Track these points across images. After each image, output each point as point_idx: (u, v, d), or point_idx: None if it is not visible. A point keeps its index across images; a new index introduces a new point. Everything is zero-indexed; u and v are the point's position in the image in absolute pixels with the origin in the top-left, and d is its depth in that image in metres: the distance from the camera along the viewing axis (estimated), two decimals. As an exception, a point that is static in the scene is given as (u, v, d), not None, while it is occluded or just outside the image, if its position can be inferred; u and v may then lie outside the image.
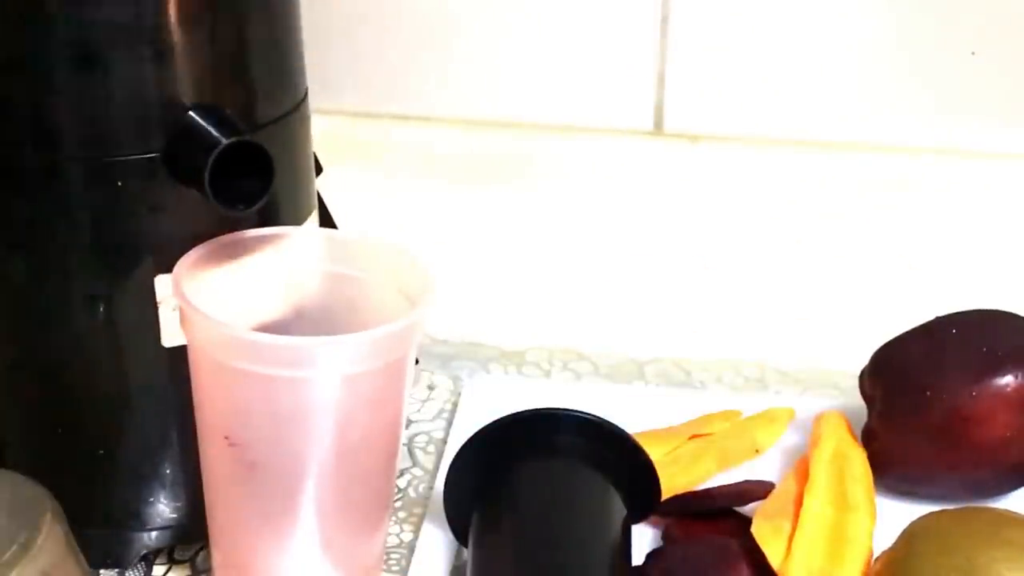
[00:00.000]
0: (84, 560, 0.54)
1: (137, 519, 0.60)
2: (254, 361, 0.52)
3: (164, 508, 0.61)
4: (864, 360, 0.67)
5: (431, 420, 0.74)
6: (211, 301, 0.54)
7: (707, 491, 0.65)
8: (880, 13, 0.75)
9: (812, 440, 0.66)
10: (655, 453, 0.63)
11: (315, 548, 0.56)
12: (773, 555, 0.58)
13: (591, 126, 0.79)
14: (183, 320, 0.54)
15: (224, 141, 0.53)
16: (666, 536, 0.63)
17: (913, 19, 0.75)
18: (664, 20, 0.76)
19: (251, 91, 0.58)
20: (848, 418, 0.68)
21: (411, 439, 0.72)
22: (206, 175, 0.53)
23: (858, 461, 0.64)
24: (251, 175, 0.54)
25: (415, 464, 0.70)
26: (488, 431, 0.61)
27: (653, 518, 0.63)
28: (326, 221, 0.68)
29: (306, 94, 0.62)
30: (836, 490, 0.62)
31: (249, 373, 0.52)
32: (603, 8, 0.77)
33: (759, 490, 0.64)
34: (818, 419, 0.67)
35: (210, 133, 0.54)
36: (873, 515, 0.61)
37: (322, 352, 0.53)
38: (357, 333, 0.53)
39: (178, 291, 0.53)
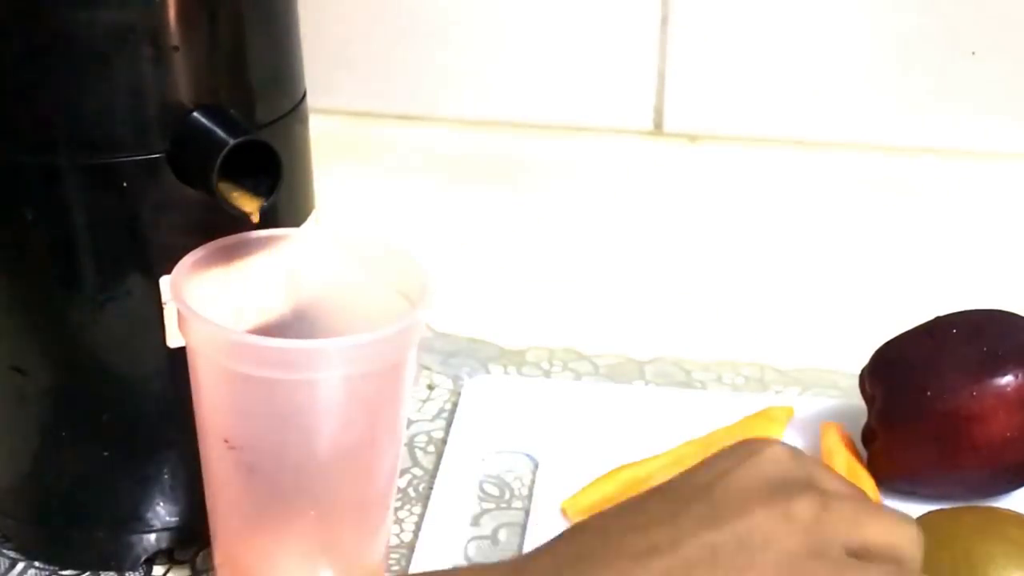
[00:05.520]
0: None
1: (140, 521, 0.60)
2: (253, 364, 0.52)
3: (167, 510, 0.61)
4: (864, 360, 0.67)
5: (431, 420, 0.74)
6: (211, 303, 0.54)
7: (707, 491, 0.65)
8: (880, 13, 0.75)
9: (824, 451, 0.65)
10: (664, 460, 0.63)
11: (316, 550, 0.56)
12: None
13: (591, 126, 0.79)
14: (181, 323, 0.54)
15: (231, 141, 0.53)
16: (666, 536, 0.63)
17: (913, 19, 0.75)
18: (664, 20, 0.76)
19: (250, 92, 0.58)
20: (848, 418, 0.68)
21: (411, 439, 0.72)
22: (214, 175, 0.53)
23: (867, 485, 0.64)
24: (256, 175, 0.54)
25: (415, 464, 0.70)
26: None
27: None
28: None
29: (304, 95, 0.62)
30: None
31: (248, 376, 0.52)
32: (603, 8, 0.77)
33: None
34: (824, 428, 0.67)
35: (216, 133, 0.54)
36: None
37: (321, 354, 0.52)
38: (357, 335, 0.53)
39: (176, 294, 0.53)
